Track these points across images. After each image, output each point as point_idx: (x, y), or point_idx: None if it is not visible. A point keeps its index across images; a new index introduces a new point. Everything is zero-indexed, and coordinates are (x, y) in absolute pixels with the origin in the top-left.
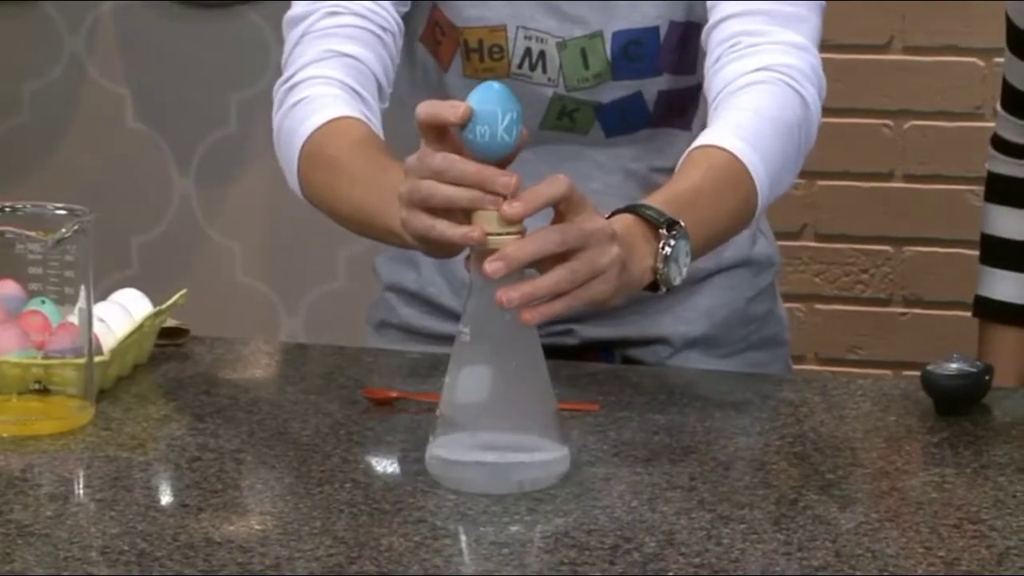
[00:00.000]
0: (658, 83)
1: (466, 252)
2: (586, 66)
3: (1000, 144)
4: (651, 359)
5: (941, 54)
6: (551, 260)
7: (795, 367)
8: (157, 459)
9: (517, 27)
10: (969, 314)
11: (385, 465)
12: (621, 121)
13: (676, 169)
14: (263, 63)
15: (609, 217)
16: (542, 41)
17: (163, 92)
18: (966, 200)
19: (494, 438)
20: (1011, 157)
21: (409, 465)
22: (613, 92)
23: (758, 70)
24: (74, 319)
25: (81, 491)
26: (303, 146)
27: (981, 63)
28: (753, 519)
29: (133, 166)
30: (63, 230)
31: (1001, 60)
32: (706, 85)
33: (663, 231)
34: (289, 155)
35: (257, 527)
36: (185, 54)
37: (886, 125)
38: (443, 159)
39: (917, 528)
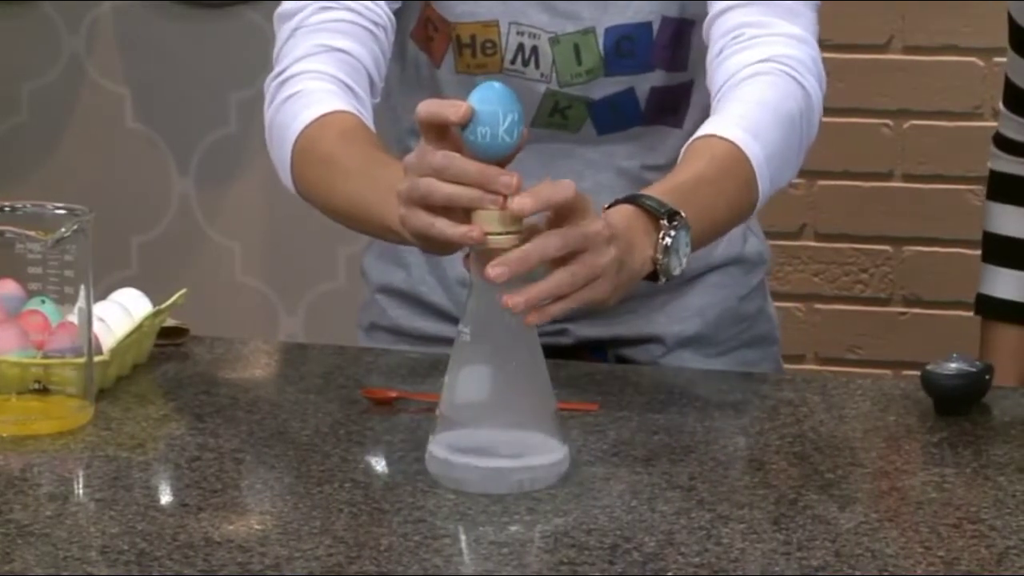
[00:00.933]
0: (650, 79)
1: (464, 251)
2: (579, 62)
3: (1002, 142)
4: (644, 358)
5: (941, 54)
6: (551, 263)
7: (795, 367)
8: (157, 459)
9: (509, 23)
10: (969, 314)
11: (385, 465)
12: (613, 118)
13: (679, 159)
14: (263, 63)
15: (610, 207)
16: (535, 37)
17: (163, 92)
18: (966, 200)
19: (494, 438)
20: (1013, 155)
21: (409, 465)
22: (605, 88)
23: (761, 61)
24: (74, 319)
25: (81, 491)
26: (296, 141)
27: (981, 63)
28: (752, 519)
29: (132, 166)
30: (63, 230)
31: (1001, 59)
32: (708, 77)
33: (664, 222)
34: (282, 150)
35: (257, 527)
36: (185, 54)
37: (886, 125)
38: (444, 157)
39: (917, 528)
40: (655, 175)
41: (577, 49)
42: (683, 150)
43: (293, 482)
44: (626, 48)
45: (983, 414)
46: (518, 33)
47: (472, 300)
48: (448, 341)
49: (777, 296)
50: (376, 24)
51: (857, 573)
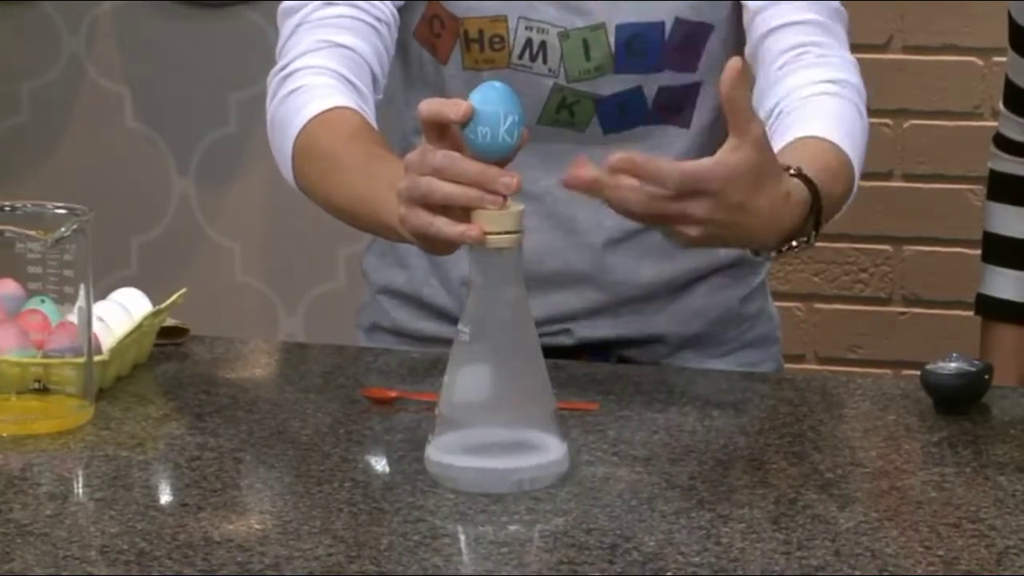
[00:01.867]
0: (659, 79)
1: (463, 249)
2: (588, 58)
3: (1002, 143)
4: (647, 359)
5: (940, 53)
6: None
7: (795, 366)
8: (156, 458)
9: (518, 17)
10: (969, 313)
11: (384, 464)
12: (619, 116)
13: (791, 147)
14: (263, 63)
15: (799, 176)
16: (543, 32)
17: (162, 92)
18: (966, 199)
19: (493, 437)
20: (1013, 155)
21: (408, 464)
22: (613, 86)
23: (830, 82)
24: (73, 318)
25: (80, 490)
26: (297, 136)
27: (980, 62)
28: (752, 518)
29: (132, 166)
30: (62, 229)
31: (1001, 59)
32: (764, 86)
33: (811, 236)
34: (283, 145)
35: (256, 526)
36: (185, 54)
37: (885, 124)
38: (444, 157)
39: (916, 527)
40: None
41: (586, 44)
42: (798, 143)
43: (293, 481)
44: (637, 47)
45: (983, 414)
46: (527, 28)
47: (471, 300)
48: (451, 342)
49: (777, 296)
50: (379, 20)
51: (857, 573)
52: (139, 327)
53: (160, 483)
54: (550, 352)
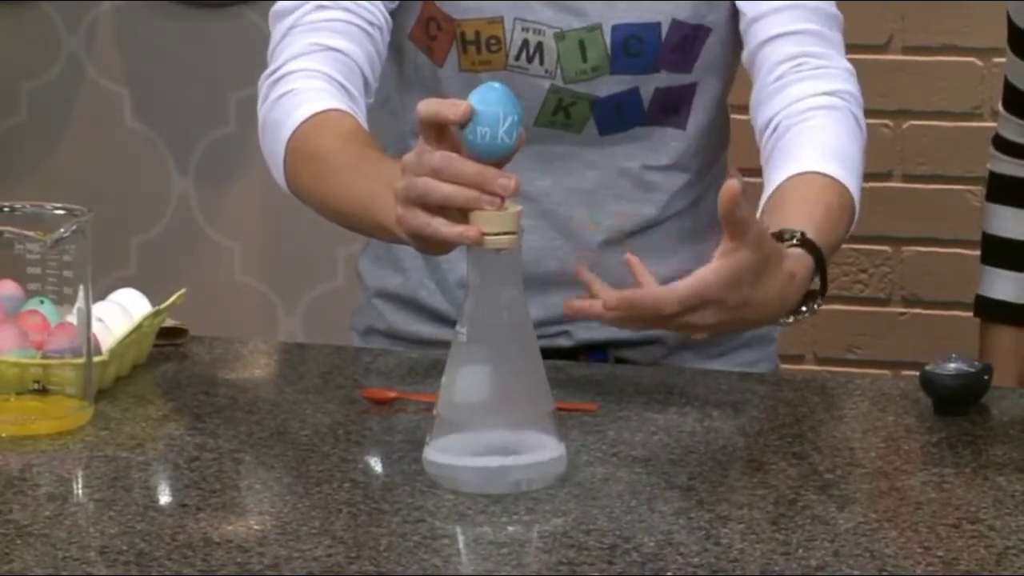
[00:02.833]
0: (655, 80)
1: (461, 249)
2: (584, 59)
3: (1001, 144)
4: (645, 360)
5: (940, 54)
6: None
7: (794, 367)
8: (156, 459)
9: (515, 19)
10: (968, 314)
11: (383, 465)
12: (616, 117)
13: (802, 192)
14: (263, 63)
15: (802, 244)
16: (540, 33)
17: (162, 92)
18: (965, 200)
19: (492, 438)
20: (1012, 157)
21: (407, 465)
22: (610, 87)
23: (827, 94)
24: (73, 319)
25: (80, 491)
26: (290, 138)
27: (980, 63)
28: (752, 519)
29: (132, 166)
30: (62, 230)
31: (1000, 60)
32: (761, 97)
33: (816, 303)
34: (275, 147)
35: (256, 527)
36: (184, 53)
37: (885, 125)
38: (442, 157)
39: (916, 528)
40: (656, 175)
41: (583, 46)
42: (807, 179)
43: (292, 482)
44: (634, 48)
45: (982, 414)
46: (523, 29)
47: (469, 301)
48: (448, 345)
49: None
50: (371, 24)
51: (856, 573)
52: (138, 328)
53: (159, 484)
54: (549, 354)
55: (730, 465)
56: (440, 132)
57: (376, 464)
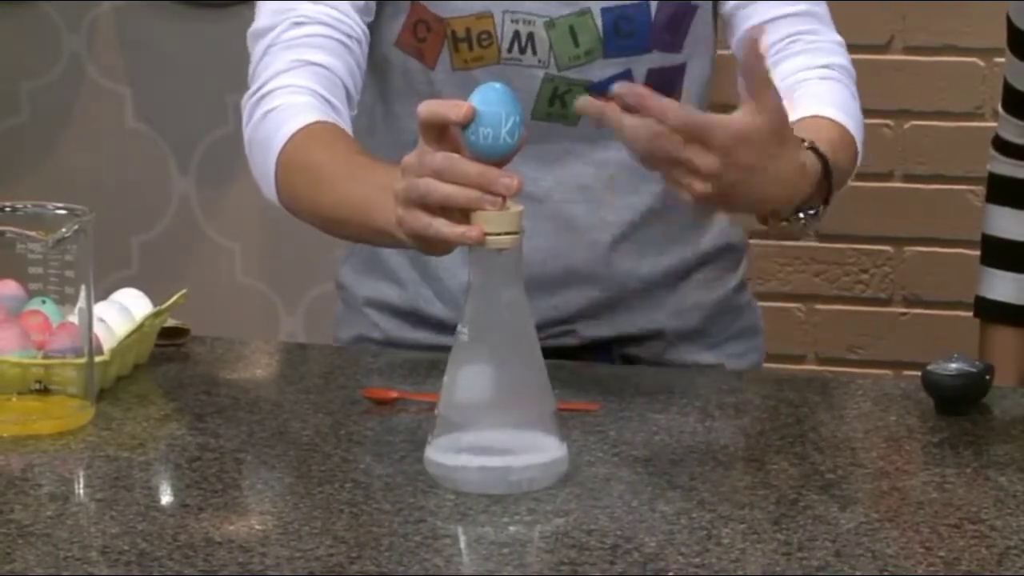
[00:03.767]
0: (647, 61)
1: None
2: (576, 43)
3: (1001, 145)
4: (648, 355)
5: (941, 54)
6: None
7: (795, 367)
8: (157, 459)
9: (503, 11)
10: (969, 314)
11: (385, 465)
12: None
13: (807, 124)
14: None
15: (811, 149)
16: (530, 23)
17: (163, 92)
18: (966, 200)
19: (493, 438)
20: (1011, 158)
21: (409, 465)
22: (603, 70)
23: (824, 67)
24: (74, 319)
25: (81, 491)
26: (280, 153)
27: (981, 63)
28: (753, 519)
29: (132, 166)
30: (63, 230)
31: (1001, 60)
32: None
33: (820, 209)
34: (265, 163)
35: (257, 527)
36: (185, 54)
37: (886, 125)
38: (444, 158)
39: (917, 528)
40: None
41: (573, 31)
42: (801, 121)
43: (294, 482)
44: (625, 28)
45: (984, 414)
46: (512, 21)
47: (471, 301)
48: (446, 350)
49: (778, 296)
50: (350, 37)
51: (858, 573)
52: (140, 328)
53: (161, 484)
54: (555, 353)
55: (731, 465)
56: (440, 133)
57: (377, 464)
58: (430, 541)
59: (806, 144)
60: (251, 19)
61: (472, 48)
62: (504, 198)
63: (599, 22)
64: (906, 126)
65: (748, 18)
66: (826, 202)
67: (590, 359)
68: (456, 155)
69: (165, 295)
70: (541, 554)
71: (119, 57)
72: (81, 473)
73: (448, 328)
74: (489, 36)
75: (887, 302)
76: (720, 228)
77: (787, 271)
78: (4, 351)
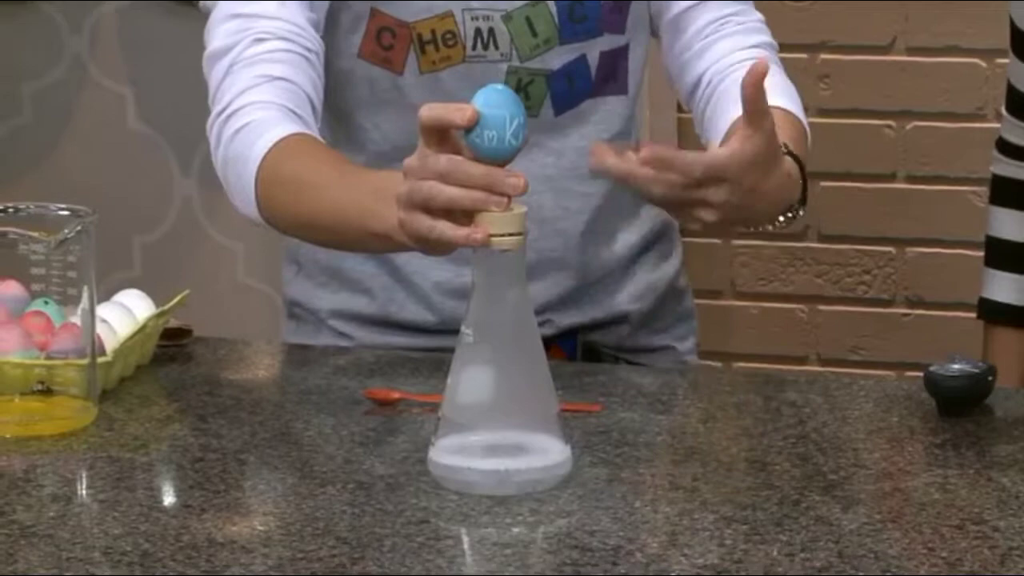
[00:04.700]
0: (599, 44)
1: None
2: (534, 33)
3: (1004, 147)
4: (612, 341)
5: (944, 55)
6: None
7: (797, 368)
8: (160, 460)
9: (462, 10)
10: (971, 315)
11: (388, 466)
12: (568, 90)
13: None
14: None
15: (788, 154)
16: (488, 18)
17: (165, 92)
18: (969, 201)
19: (496, 439)
20: (1014, 160)
21: (412, 466)
22: (561, 57)
23: (752, 47)
24: (77, 320)
25: (84, 492)
26: (259, 167)
27: (984, 64)
28: (756, 520)
29: (135, 167)
30: (66, 231)
31: (1004, 61)
32: (685, 57)
33: (797, 208)
34: (242, 181)
35: (260, 528)
36: (187, 54)
37: (888, 126)
38: (448, 161)
39: (920, 529)
40: None
41: (530, 21)
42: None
43: (296, 483)
44: (578, 13)
45: (986, 415)
46: (472, 18)
47: (475, 302)
48: (424, 351)
49: (780, 297)
50: (310, 50)
51: (860, 574)
52: (142, 328)
53: (163, 484)
54: None
55: (734, 466)
56: (441, 136)
57: (380, 465)
58: (433, 542)
59: (783, 150)
60: None
61: (439, 48)
62: (509, 198)
63: (554, 10)
64: (908, 127)
65: (673, 6)
66: (803, 201)
67: (556, 348)
68: (460, 157)
69: (167, 296)
70: (544, 555)
71: (121, 58)
72: (83, 474)
73: (423, 330)
74: (453, 36)
75: (889, 303)
76: (657, 211)
77: (789, 272)
78: (6, 352)
